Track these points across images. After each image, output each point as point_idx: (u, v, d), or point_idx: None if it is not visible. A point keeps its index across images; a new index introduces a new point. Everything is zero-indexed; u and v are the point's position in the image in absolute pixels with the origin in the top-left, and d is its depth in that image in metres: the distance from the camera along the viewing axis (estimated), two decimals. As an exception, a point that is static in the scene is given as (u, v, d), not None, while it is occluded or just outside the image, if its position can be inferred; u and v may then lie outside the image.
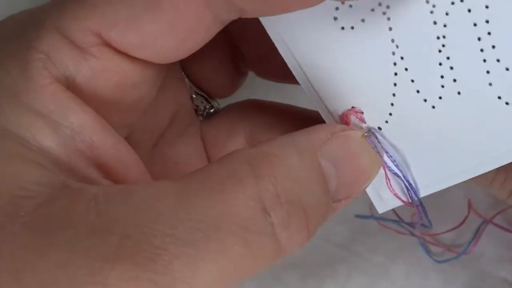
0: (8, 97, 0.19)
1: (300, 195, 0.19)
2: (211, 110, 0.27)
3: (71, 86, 0.20)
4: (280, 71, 0.25)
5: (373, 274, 0.33)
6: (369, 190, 0.23)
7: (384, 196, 0.23)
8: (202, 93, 0.27)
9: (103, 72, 0.20)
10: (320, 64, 0.22)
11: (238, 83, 0.28)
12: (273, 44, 0.22)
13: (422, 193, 0.23)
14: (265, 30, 0.22)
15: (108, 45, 0.20)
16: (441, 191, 0.22)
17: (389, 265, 0.33)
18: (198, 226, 0.17)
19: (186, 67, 0.26)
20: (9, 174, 0.18)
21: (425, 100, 0.21)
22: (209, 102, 0.27)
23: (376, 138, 0.22)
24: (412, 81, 0.21)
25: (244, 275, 0.18)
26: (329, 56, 0.22)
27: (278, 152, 0.19)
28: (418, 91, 0.21)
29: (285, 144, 0.20)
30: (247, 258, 0.18)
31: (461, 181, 0.22)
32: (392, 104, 0.22)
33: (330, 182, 0.20)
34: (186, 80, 0.26)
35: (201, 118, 0.27)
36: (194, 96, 0.26)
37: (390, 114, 0.22)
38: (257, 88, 0.31)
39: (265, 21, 0.22)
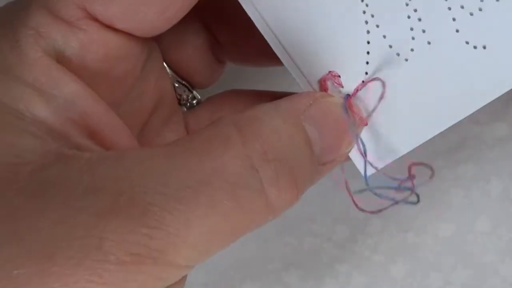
0: (1, 72, 0.20)
1: (287, 154, 0.20)
2: (194, 101, 0.28)
3: (60, 59, 0.21)
4: (256, 54, 0.26)
5: (373, 274, 0.33)
6: (352, 155, 0.23)
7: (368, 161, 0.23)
8: (184, 82, 0.28)
9: (90, 44, 0.21)
10: (292, 28, 0.23)
11: (217, 73, 0.29)
12: (247, 29, 0.23)
13: (404, 150, 0.23)
14: (238, 15, 0.23)
15: (93, 18, 0.21)
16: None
17: (389, 265, 0.33)
18: (188, 183, 0.18)
19: (166, 56, 0.27)
20: (5, 144, 0.19)
21: (398, 54, 0.22)
22: (192, 92, 0.28)
23: (349, 103, 0.23)
24: (384, 37, 0.22)
25: (236, 231, 0.19)
26: (299, 19, 0.23)
27: (263, 115, 0.20)
28: (390, 46, 0.22)
29: (269, 109, 0.21)
30: (238, 213, 0.19)
31: (439, 131, 0.23)
32: (367, 63, 0.23)
33: (314, 145, 0.21)
34: (168, 69, 0.27)
35: (184, 108, 0.28)
36: (176, 85, 0.27)
37: (366, 73, 0.23)
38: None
39: None
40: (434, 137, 0.35)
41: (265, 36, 0.23)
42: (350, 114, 0.22)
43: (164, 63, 0.27)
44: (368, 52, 0.22)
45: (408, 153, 0.35)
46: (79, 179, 0.18)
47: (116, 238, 0.17)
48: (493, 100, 0.35)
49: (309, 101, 0.21)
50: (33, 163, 0.18)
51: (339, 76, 0.23)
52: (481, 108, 0.35)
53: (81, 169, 0.18)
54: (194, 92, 0.28)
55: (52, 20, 0.21)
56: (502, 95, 0.35)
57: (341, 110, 0.22)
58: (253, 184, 0.19)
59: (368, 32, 0.22)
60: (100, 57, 0.22)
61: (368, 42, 0.22)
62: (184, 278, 0.20)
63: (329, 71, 0.23)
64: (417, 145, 0.23)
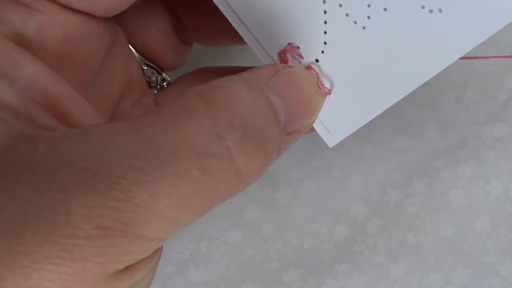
0: None
1: (253, 121, 0.20)
2: (164, 83, 0.28)
3: (20, 41, 0.21)
4: (219, 34, 0.26)
5: (373, 274, 0.33)
6: (317, 126, 0.24)
7: (332, 130, 0.24)
8: (152, 65, 0.28)
9: (48, 25, 0.22)
10: (249, 2, 0.23)
11: (184, 54, 0.29)
12: (209, 10, 0.23)
13: (367, 118, 0.23)
14: None
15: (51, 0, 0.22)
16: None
17: (389, 265, 0.33)
18: (155, 155, 0.18)
19: (131, 40, 0.27)
20: None
21: (355, 22, 0.22)
22: (161, 74, 0.28)
23: (316, 71, 0.23)
24: (340, 5, 0.22)
25: (206, 202, 0.19)
26: None
27: (227, 84, 0.20)
28: (347, 15, 0.23)
29: (232, 79, 0.21)
30: (206, 182, 0.18)
31: (400, 98, 0.23)
32: (325, 33, 0.23)
33: (279, 114, 0.21)
34: (135, 52, 0.27)
35: (155, 91, 0.28)
36: (145, 68, 0.28)
37: (325, 43, 0.23)
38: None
39: None
40: (434, 137, 0.35)
41: (224, 13, 0.23)
42: (313, 83, 0.23)
43: (131, 47, 0.27)
44: (325, 22, 0.23)
45: (406, 153, 0.35)
46: (45, 157, 0.18)
47: (83, 212, 0.17)
48: (493, 100, 0.35)
49: (271, 72, 0.21)
50: (0, 145, 0.19)
51: (298, 48, 0.23)
52: (481, 108, 0.35)
53: (47, 147, 0.18)
54: (164, 74, 0.28)
55: (10, 4, 0.21)
56: (502, 95, 0.35)
57: (302, 79, 0.22)
58: (221, 152, 0.19)
59: (324, 1, 0.23)
60: (60, 38, 0.22)
61: (325, 12, 0.23)
62: (158, 252, 0.20)
63: (288, 43, 0.23)
64: (379, 113, 0.23)
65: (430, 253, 0.33)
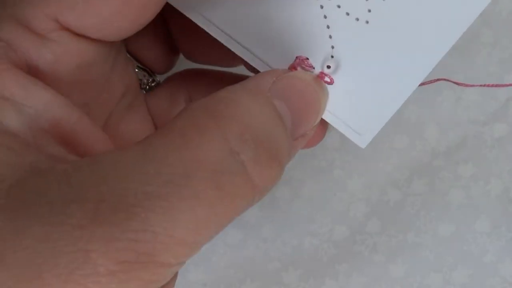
0: None
1: (263, 131, 0.19)
2: (153, 84, 0.28)
3: (33, 71, 0.21)
4: (208, 54, 0.26)
5: (373, 274, 0.33)
6: (345, 131, 0.23)
7: (361, 131, 0.23)
8: (144, 67, 0.28)
9: (64, 55, 0.21)
10: (249, 27, 0.23)
11: (173, 61, 0.29)
12: (199, 30, 0.23)
13: (392, 110, 0.23)
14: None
15: (66, 29, 0.21)
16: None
17: (389, 265, 0.33)
18: (168, 178, 0.18)
19: (126, 43, 0.27)
20: None
21: (357, 19, 0.22)
22: (151, 76, 0.28)
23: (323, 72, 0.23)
24: (339, 6, 0.22)
25: (223, 219, 0.18)
26: (253, 17, 0.23)
27: (232, 95, 0.20)
28: (348, 14, 0.23)
29: (236, 89, 0.20)
30: (223, 200, 0.18)
31: (421, 80, 0.22)
32: (330, 37, 0.23)
33: (285, 120, 0.20)
34: (128, 55, 0.27)
35: (143, 91, 0.28)
36: (136, 70, 0.27)
37: (332, 47, 0.23)
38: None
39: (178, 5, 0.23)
40: (434, 137, 0.35)
41: (225, 42, 0.23)
42: (313, 84, 0.22)
43: (126, 52, 0.27)
44: (328, 26, 0.23)
45: (406, 153, 0.35)
46: (58, 191, 0.18)
47: (102, 248, 0.17)
48: (493, 100, 0.35)
49: (273, 77, 0.21)
50: (10, 179, 0.18)
51: (307, 59, 0.23)
52: (481, 108, 0.35)
53: (58, 180, 0.18)
54: (154, 76, 0.28)
55: (24, 33, 0.21)
56: (502, 95, 0.35)
57: (302, 82, 0.22)
58: (236, 168, 0.18)
59: (321, 7, 0.22)
60: (74, 66, 0.22)
61: (325, 17, 0.23)
62: (176, 273, 0.20)
63: (296, 57, 0.23)
64: (403, 101, 0.23)
65: (430, 253, 0.33)
